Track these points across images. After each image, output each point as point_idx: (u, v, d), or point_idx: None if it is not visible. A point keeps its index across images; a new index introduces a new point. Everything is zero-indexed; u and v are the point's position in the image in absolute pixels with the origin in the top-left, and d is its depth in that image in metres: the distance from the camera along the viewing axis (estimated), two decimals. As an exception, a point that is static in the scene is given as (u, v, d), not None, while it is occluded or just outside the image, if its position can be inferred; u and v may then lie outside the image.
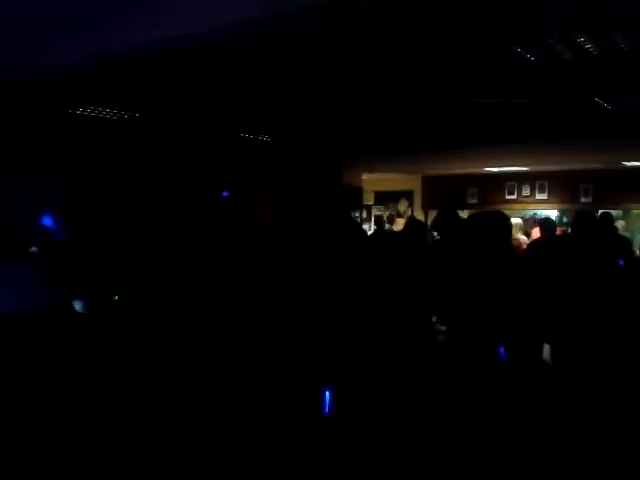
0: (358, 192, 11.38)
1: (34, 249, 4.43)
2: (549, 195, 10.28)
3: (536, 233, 9.06)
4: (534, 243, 5.31)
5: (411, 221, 8.30)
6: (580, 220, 4.92)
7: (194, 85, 4.93)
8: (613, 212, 9.19)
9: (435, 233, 6.17)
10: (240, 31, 3.41)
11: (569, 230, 7.80)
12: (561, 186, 10.13)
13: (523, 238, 7.52)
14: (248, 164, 8.91)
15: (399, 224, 12.20)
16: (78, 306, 3.23)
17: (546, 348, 4.85)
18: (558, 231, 7.31)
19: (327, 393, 2.81)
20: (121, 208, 6.77)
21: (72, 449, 1.47)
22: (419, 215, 11.70)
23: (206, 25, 3.43)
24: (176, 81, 4.80)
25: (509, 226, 3.99)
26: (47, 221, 5.30)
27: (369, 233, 8.71)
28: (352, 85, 4.97)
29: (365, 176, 11.21)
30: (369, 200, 12.61)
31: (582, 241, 4.75)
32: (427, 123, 6.48)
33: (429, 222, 10.34)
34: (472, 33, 3.56)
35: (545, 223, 6.03)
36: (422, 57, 4.16)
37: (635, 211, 9.79)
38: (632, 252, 7.56)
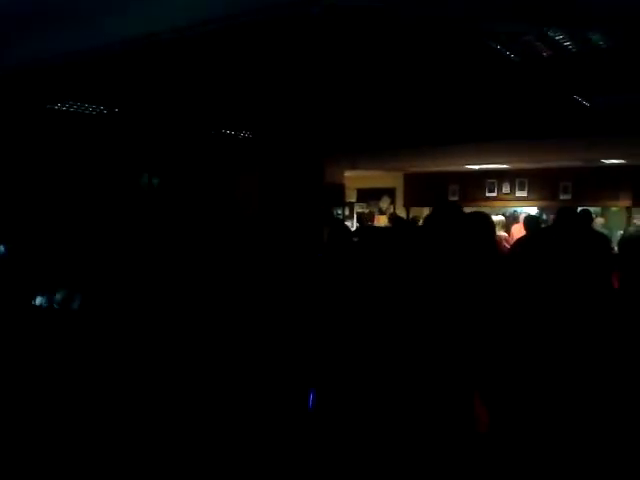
0: (340, 189, 11.38)
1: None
2: (529, 192, 10.38)
3: (516, 230, 9.16)
4: (519, 241, 5.29)
5: (394, 218, 8.34)
6: (563, 216, 4.98)
7: (172, 81, 4.88)
8: (592, 209, 9.32)
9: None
10: (214, 26, 3.38)
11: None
12: (541, 184, 10.23)
13: (503, 235, 7.59)
14: (229, 160, 8.86)
15: (380, 221, 12.26)
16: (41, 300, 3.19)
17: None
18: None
19: (313, 393, 2.79)
20: (99, 204, 6.69)
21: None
22: (401, 212, 11.76)
23: (184, 20, 3.41)
24: (153, 77, 4.74)
25: (493, 227, 4.07)
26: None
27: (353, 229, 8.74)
28: (333, 82, 4.95)
29: (348, 173, 11.21)
30: (351, 197, 12.63)
31: (565, 238, 4.80)
32: (408, 120, 6.49)
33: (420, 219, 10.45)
34: (451, 30, 3.56)
35: (529, 221, 6.01)
36: (402, 54, 4.15)
37: (613, 208, 9.92)
38: (611, 249, 7.66)
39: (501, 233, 7.35)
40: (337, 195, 11.14)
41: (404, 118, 6.43)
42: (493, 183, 10.73)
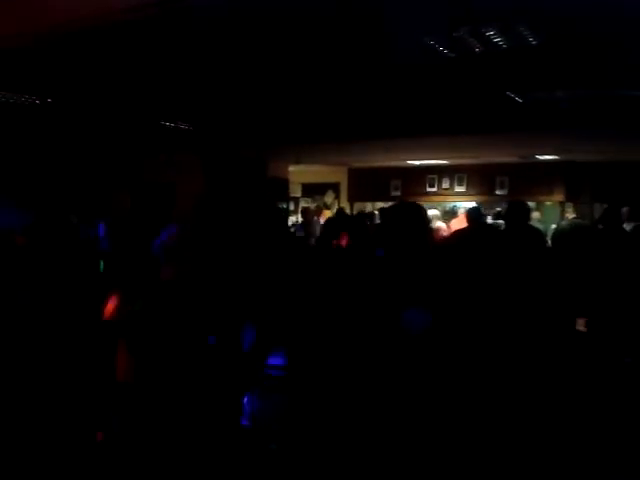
0: (285, 184, 11.37)
1: None
2: (467, 187, 10.65)
3: (455, 224, 9.37)
4: (459, 232, 5.38)
5: (338, 212, 8.40)
6: (513, 210, 5.13)
7: (107, 70, 4.74)
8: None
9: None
10: (146, 13, 3.31)
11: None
12: (478, 179, 10.51)
13: (442, 226, 7.76)
14: (170, 154, 8.70)
15: (325, 216, 12.32)
16: None
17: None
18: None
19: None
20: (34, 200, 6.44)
21: None
22: (346, 207, 11.83)
23: (118, 5, 3.32)
24: (88, 66, 4.59)
25: (425, 217, 4.21)
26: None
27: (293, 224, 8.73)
28: (273, 75, 4.92)
29: (292, 168, 11.20)
30: (296, 192, 12.63)
31: (514, 231, 4.94)
32: (351, 115, 6.52)
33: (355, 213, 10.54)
34: (386, 25, 3.59)
35: (472, 212, 6.11)
36: (342, 49, 4.17)
37: (548, 203, 10.29)
38: (545, 242, 7.94)
39: (440, 225, 7.52)
40: (281, 190, 11.12)
41: (347, 113, 6.47)
42: (434, 178, 10.94)
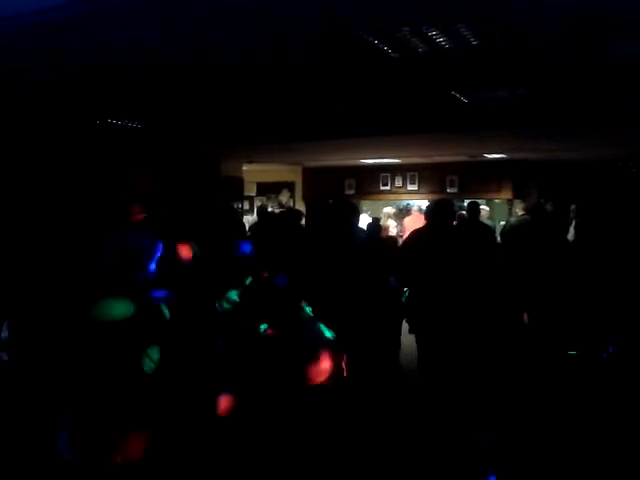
0: (239, 183, 11.31)
1: None
2: (419, 186, 10.84)
3: (408, 221, 9.52)
4: (416, 231, 5.35)
5: (288, 211, 8.41)
6: (439, 209, 5.20)
7: (43, 66, 4.62)
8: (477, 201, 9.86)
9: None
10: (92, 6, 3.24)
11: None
12: (429, 177, 10.71)
13: (392, 223, 7.88)
14: (120, 153, 8.54)
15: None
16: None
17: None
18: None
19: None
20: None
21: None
22: (300, 206, 11.86)
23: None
24: (19, 61, 4.46)
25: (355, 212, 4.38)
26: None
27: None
28: (222, 75, 4.89)
29: (246, 167, 11.15)
30: (251, 191, 12.59)
31: (443, 230, 5.04)
32: (301, 115, 6.54)
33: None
34: (331, 25, 3.61)
35: (428, 211, 5.46)
36: (288, 51, 4.18)
37: (497, 200, 10.55)
38: (494, 239, 8.15)
39: (389, 222, 7.63)
40: (236, 189, 11.06)
41: (296, 113, 6.48)
42: (387, 177, 11.09)
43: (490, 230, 7.94)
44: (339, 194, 11.24)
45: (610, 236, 4.76)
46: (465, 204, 9.46)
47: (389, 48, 4.08)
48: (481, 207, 9.53)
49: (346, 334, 3.32)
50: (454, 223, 5.89)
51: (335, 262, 4.26)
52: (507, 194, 10.22)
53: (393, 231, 7.67)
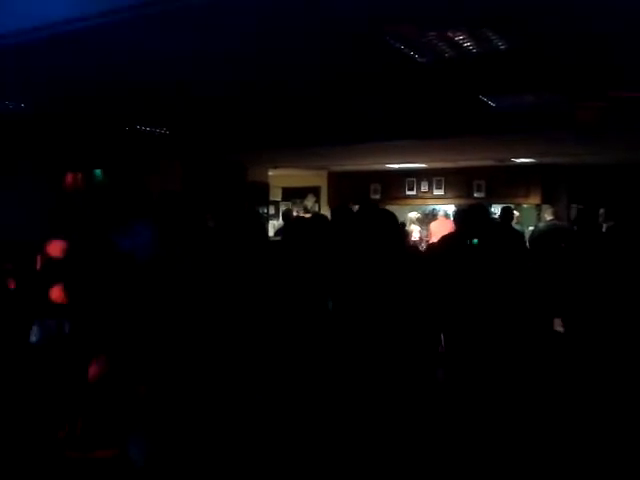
0: (265, 188, 11.36)
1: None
2: (445, 191, 10.75)
3: (434, 226, 9.46)
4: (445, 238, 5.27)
5: (315, 217, 8.43)
6: (472, 214, 5.14)
7: (79, 75, 4.71)
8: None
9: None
10: (120, 16, 3.30)
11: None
12: (456, 182, 10.62)
13: (416, 229, 7.86)
14: (149, 158, 8.66)
15: (305, 220, 12.35)
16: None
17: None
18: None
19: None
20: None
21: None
22: (326, 211, 11.86)
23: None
24: (58, 71, 4.56)
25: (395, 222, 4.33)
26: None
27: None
28: (251, 80, 4.93)
29: (272, 172, 11.20)
30: (277, 196, 12.63)
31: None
32: (328, 120, 6.56)
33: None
34: (356, 30, 3.62)
35: (456, 216, 5.38)
36: (317, 57, 4.19)
37: (525, 205, 10.41)
38: (525, 244, 8.04)
39: (412, 227, 7.59)
40: (261, 194, 11.12)
41: (324, 119, 6.50)
42: (412, 182, 11.03)
43: (522, 237, 7.83)
44: (364, 199, 11.22)
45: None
46: (493, 209, 9.36)
47: (416, 53, 4.07)
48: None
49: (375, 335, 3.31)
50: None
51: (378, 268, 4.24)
52: (536, 199, 10.08)
53: (416, 236, 7.64)
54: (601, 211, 7.91)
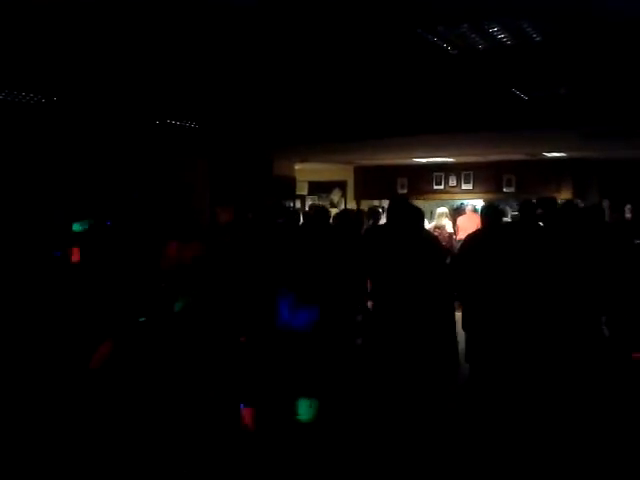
0: (291, 182, 11.37)
1: None
2: (474, 185, 10.62)
3: (461, 221, 9.36)
4: (473, 235, 5.19)
5: (342, 212, 8.44)
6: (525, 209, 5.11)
7: (110, 70, 4.75)
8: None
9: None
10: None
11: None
12: (485, 176, 10.48)
13: (448, 223, 7.77)
14: (178, 151, 8.73)
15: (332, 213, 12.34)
16: None
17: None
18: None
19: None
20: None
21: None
22: (352, 205, 11.83)
23: None
24: (89, 67, 4.61)
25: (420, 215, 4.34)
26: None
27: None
28: (279, 74, 4.92)
29: (298, 166, 11.20)
30: (303, 190, 12.63)
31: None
32: (356, 113, 6.52)
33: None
34: (387, 22, 3.58)
35: (488, 211, 5.17)
36: (345, 47, 4.16)
37: (558, 201, 10.22)
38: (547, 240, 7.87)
39: (442, 222, 7.51)
40: (288, 188, 11.12)
41: (352, 112, 6.46)
42: (440, 176, 10.92)
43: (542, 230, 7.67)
44: (391, 193, 11.16)
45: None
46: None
47: (448, 45, 4.01)
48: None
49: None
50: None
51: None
52: (567, 194, 9.90)
53: (449, 230, 7.55)
54: (628, 206, 7.76)
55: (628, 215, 7.63)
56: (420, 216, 4.77)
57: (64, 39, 3.93)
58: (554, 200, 6.20)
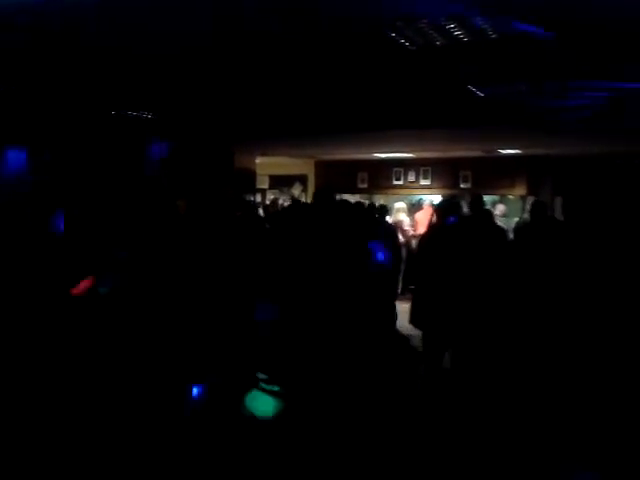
0: (252, 176, 11.33)
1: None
2: (432, 181, 10.79)
3: (419, 216, 9.51)
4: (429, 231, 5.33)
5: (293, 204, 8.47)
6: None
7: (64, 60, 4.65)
8: (491, 197, 9.80)
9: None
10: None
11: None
12: (443, 172, 10.66)
13: (406, 219, 7.89)
14: (136, 143, 8.59)
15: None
16: None
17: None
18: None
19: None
20: None
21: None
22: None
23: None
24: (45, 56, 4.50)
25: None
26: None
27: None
28: (239, 68, 4.90)
29: (259, 160, 11.17)
30: (264, 184, 12.61)
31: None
32: (315, 108, 6.54)
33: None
34: (349, 19, 3.61)
35: (442, 206, 5.28)
36: (305, 45, 4.17)
37: (510, 197, 10.48)
38: (507, 239, 8.07)
39: (399, 217, 7.61)
40: (249, 181, 11.08)
41: (312, 107, 6.48)
42: (400, 171, 11.05)
43: (504, 232, 7.84)
44: (352, 188, 11.24)
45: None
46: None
47: (407, 41, 4.07)
48: (497, 204, 9.49)
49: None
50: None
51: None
52: (521, 190, 10.14)
53: (406, 225, 7.67)
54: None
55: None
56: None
57: (12, 30, 3.84)
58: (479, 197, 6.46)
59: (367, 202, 8.38)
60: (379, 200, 10.72)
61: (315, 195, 4.86)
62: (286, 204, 10.95)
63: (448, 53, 4.32)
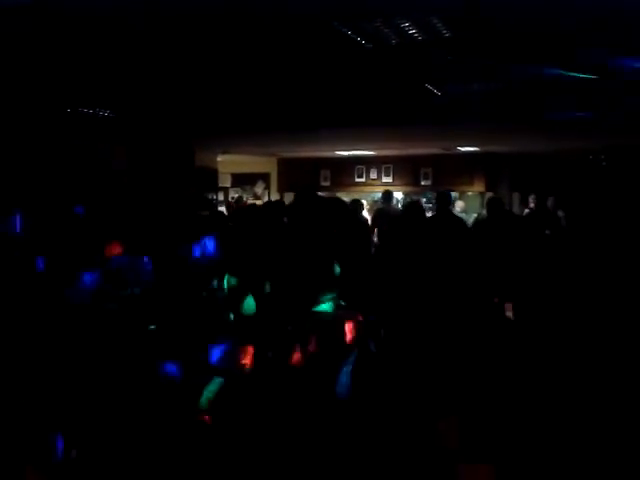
0: (213, 174, 11.24)
1: None
2: (394, 178, 10.92)
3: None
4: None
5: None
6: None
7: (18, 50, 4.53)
8: (452, 194, 9.95)
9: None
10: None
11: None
12: (404, 170, 10.80)
13: (367, 216, 7.95)
14: (95, 141, 8.44)
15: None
16: None
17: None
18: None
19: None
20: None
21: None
22: (276, 197, 11.84)
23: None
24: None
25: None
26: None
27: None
28: (197, 64, 4.85)
29: (221, 158, 11.09)
30: (226, 182, 12.52)
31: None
32: (276, 106, 6.53)
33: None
34: (304, 15, 3.61)
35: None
36: (263, 42, 4.16)
37: (469, 193, 10.68)
38: (467, 230, 8.22)
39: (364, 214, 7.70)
40: (210, 180, 10.99)
41: (272, 104, 6.46)
42: (362, 169, 11.14)
43: (460, 221, 8.01)
44: (314, 185, 11.26)
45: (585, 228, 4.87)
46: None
47: (362, 39, 4.09)
48: (456, 201, 9.65)
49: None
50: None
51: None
52: (479, 187, 10.35)
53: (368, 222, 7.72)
54: (550, 199, 8.24)
55: (532, 205, 8.09)
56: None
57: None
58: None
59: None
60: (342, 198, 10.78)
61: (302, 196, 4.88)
62: (249, 202, 10.93)
63: (404, 51, 4.37)
